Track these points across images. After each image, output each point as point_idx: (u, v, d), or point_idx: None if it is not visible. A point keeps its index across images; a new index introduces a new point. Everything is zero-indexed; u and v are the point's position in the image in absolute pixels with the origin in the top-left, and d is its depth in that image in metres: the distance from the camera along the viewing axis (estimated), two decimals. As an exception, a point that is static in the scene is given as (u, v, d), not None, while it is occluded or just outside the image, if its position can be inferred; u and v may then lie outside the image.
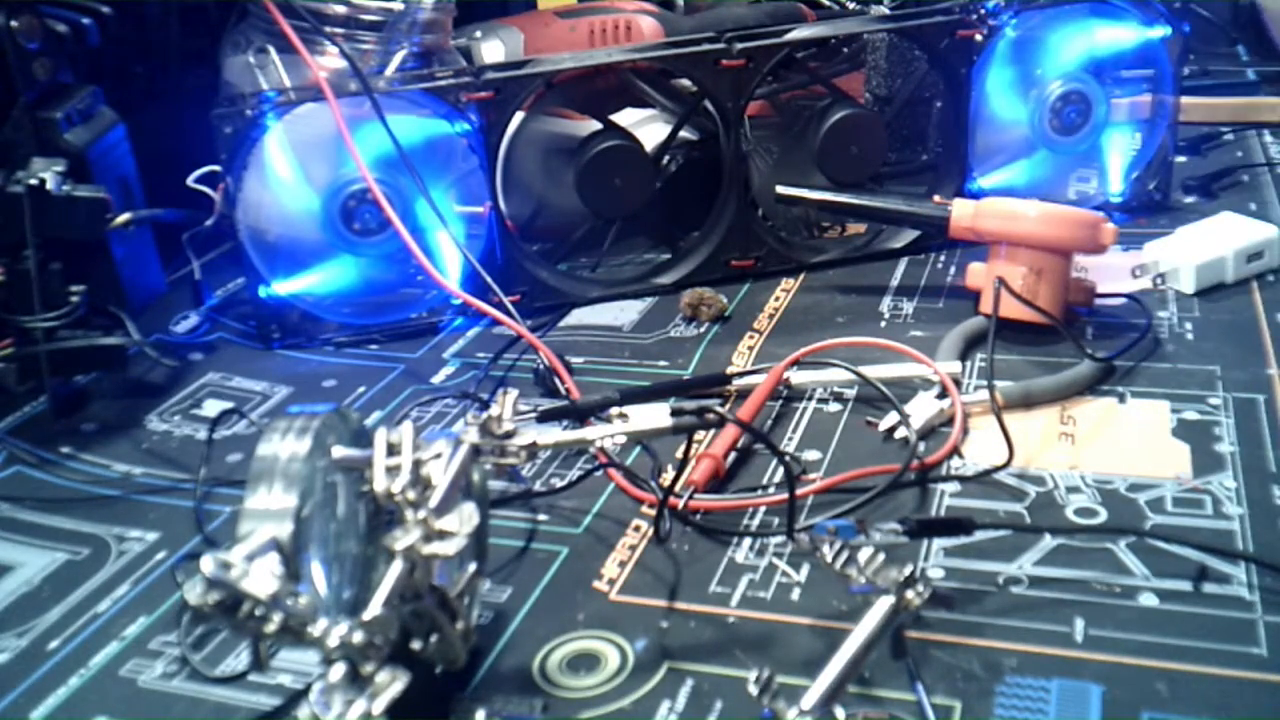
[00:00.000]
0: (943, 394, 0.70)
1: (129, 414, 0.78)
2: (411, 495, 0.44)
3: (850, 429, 0.70)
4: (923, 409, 0.69)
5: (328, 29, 0.88)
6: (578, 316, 0.89)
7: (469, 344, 0.86)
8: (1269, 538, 0.57)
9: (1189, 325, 0.79)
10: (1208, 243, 0.85)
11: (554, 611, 0.56)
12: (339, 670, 0.40)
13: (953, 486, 0.64)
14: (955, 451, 0.66)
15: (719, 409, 0.59)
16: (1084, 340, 0.76)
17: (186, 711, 0.52)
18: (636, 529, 0.62)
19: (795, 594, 0.56)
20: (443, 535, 0.43)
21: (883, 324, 0.84)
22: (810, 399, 0.74)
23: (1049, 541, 0.58)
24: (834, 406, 0.73)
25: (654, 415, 0.53)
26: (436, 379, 0.81)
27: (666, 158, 0.95)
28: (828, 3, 1.10)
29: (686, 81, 0.93)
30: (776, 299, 0.90)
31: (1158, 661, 0.50)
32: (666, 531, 0.61)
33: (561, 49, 0.97)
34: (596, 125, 0.92)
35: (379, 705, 0.39)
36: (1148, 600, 0.54)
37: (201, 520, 0.66)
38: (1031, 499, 0.62)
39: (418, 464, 0.45)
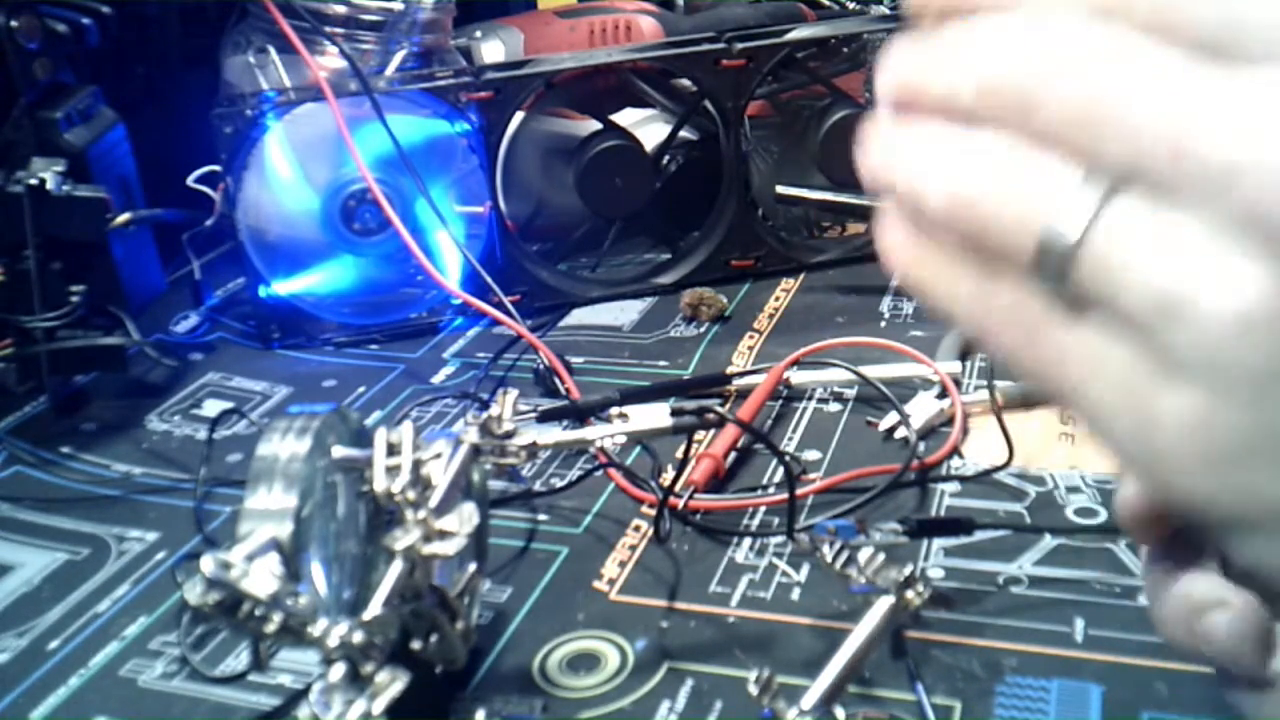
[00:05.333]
0: (943, 394, 0.70)
1: (129, 414, 0.78)
2: (411, 495, 0.44)
3: (850, 429, 0.70)
4: (923, 409, 0.69)
5: (328, 29, 0.88)
6: (578, 316, 0.89)
7: (469, 344, 0.86)
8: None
9: (1189, 325, 0.79)
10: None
11: (554, 611, 0.56)
12: (339, 670, 0.40)
13: (953, 486, 0.64)
14: (955, 451, 0.66)
15: (719, 409, 0.59)
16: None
17: (186, 711, 0.52)
18: (636, 529, 0.62)
19: (795, 594, 0.56)
20: (443, 535, 0.43)
21: (883, 324, 0.84)
22: (810, 399, 0.74)
23: (1049, 541, 0.58)
24: (834, 406, 0.73)
25: (654, 415, 0.53)
26: (436, 379, 0.81)
27: (666, 158, 0.95)
28: (828, 3, 1.10)
29: (686, 81, 0.93)
30: (776, 299, 0.90)
31: (1158, 661, 0.50)
32: (666, 531, 0.61)
33: (561, 49, 0.97)
34: (596, 125, 0.92)
35: (379, 705, 0.39)
36: (1148, 600, 0.54)
37: (201, 520, 0.66)
38: (1031, 499, 0.62)
39: (418, 464, 0.45)
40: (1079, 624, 0.52)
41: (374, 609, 0.42)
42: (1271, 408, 0.20)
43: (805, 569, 0.58)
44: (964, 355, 0.76)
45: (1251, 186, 0.20)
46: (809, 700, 0.42)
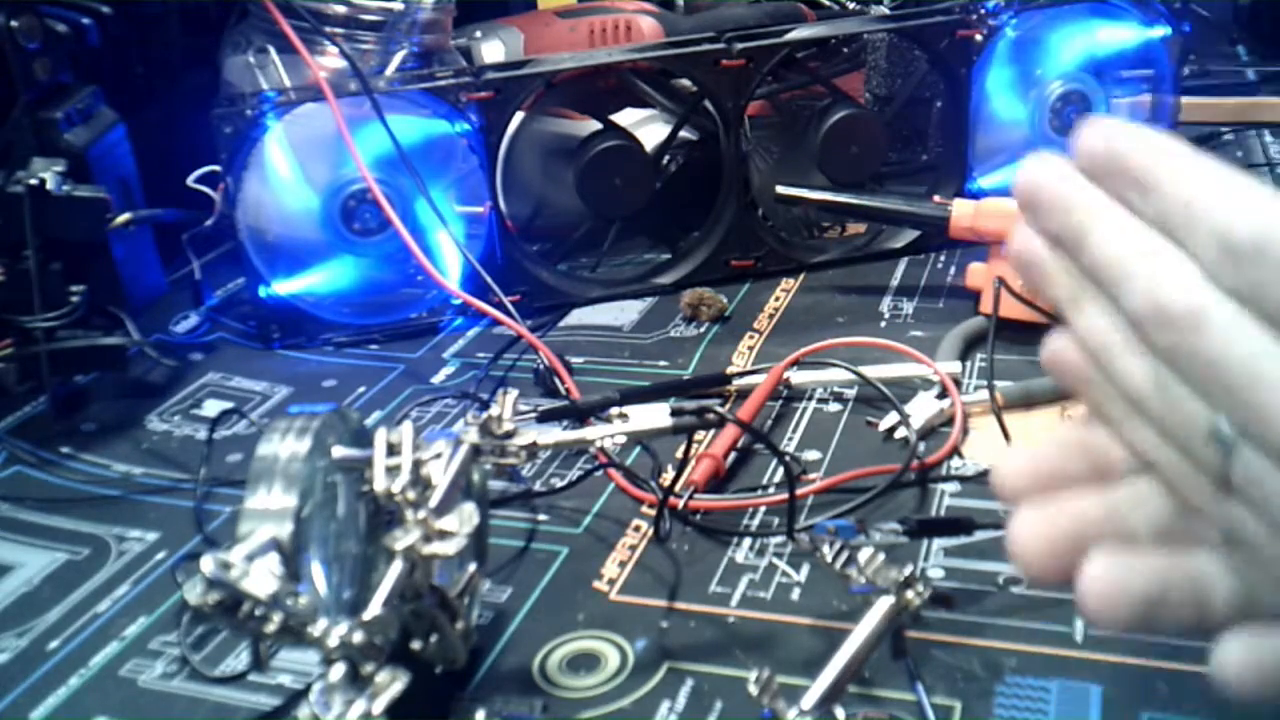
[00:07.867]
0: (943, 394, 0.70)
1: (129, 414, 0.78)
2: (411, 495, 0.44)
3: (850, 429, 0.70)
4: (923, 409, 0.69)
5: (328, 29, 0.88)
6: (578, 316, 0.89)
7: (469, 344, 0.86)
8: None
9: (1189, 325, 0.79)
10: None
11: (554, 611, 0.56)
12: (339, 670, 0.40)
13: (953, 486, 0.64)
14: (955, 451, 0.66)
15: (719, 409, 0.59)
16: (1084, 340, 0.76)
17: (186, 711, 0.52)
18: (636, 529, 0.62)
19: (795, 594, 0.56)
20: (443, 535, 0.43)
21: (883, 324, 0.84)
22: (810, 399, 0.74)
23: (1049, 541, 0.58)
24: (834, 406, 0.73)
25: (654, 415, 0.53)
26: (436, 379, 0.81)
27: (666, 158, 0.95)
28: (828, 3, 1.10)
29: (686, 81, 0.93)
30: (776, 299, 0.90)
31: (1158, 661, 0.50)
32: (666, 531, 0.61)
33: (561, 49, 0.97)
34: (596, 125, 0.92)
35: (379, 705, 0.39)
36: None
37: (201, 520, 0.66)
38: (1031, 499, 0.62)
39: (418, 464, 0.45)
40: (1079, 624, 0.52)
41: (374, 609, 0.42)
42: None
43: (805, 569, 0.58)
44: (964, 355, 0.76)
45: None
46: (809, 700, 0.42)
